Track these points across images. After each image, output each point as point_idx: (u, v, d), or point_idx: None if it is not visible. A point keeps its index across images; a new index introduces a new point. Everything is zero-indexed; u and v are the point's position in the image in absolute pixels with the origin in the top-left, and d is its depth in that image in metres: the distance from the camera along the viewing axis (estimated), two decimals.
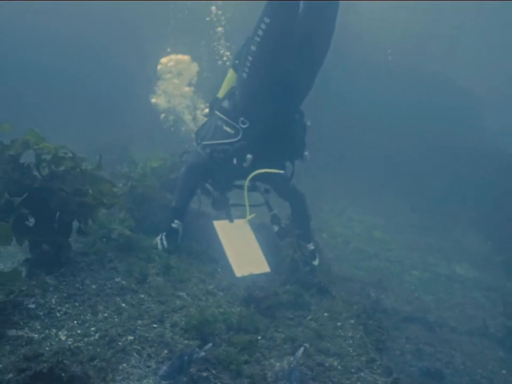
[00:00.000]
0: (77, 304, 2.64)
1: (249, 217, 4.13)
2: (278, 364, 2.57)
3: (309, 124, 4.06)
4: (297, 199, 4.48)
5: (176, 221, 3.82)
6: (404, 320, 5.69)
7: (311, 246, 4.43)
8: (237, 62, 4.14)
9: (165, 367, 2.11)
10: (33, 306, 2.50)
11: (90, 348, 2.27)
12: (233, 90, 4.06)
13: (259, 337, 2.76)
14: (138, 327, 2.56)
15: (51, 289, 2.71)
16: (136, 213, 4.47)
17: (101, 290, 2.83)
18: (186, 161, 4.19)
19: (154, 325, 2.63)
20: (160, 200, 4.29)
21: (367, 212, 11.82)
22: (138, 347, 2.39)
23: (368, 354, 2.89)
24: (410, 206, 12.17)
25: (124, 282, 3.01)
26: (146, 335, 2.51)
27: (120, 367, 2.21)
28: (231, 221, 4.18)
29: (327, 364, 2.68)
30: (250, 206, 4.12)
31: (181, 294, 3.08)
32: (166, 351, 2.41)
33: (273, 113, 3.76)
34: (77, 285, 2.82)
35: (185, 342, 2.54)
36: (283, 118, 3.84)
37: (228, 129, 3.85)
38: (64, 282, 2.81)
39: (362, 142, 13.79)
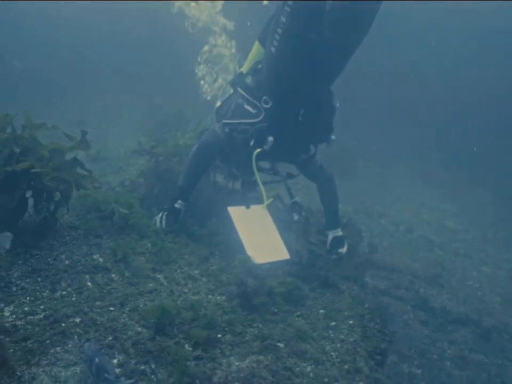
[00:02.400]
0: (39, 279, 2.57)
1: (267, 202, 3.82)
2: (237, 363, 2.29)
3: (337, 105, 3.62)
4: (325, 179, 4.11)
5: (179, 201, 3.65)
6: (453, 322, 5.04)
7: (339, 232, 4.05)
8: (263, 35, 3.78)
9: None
10: None
11: (30, 327, 2.17)
12: (258, 66, 3.73)
13: (226, 332, 2.50)
14: (94, 309, 2.42)
15: (20, 262, 2.67)
16: (156, 190, 4.39)
17: (72, 267, 2.74)
18: (199, 140, 3.96)
19: (112, 308, 2.48)
20: None
21: (443, 199, 10.78)
22: (82, 331, 2.24)
23: (354, 363, 2.48)
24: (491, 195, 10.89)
25: (101, 259, 2.90)
26: (98, 318, 2.36)
27: (52, 351, 2.08)
28: (248, 207, 3.88)
29: (297, 369, 2.34)
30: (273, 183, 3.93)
31: (158, 276, 2.89)
32: (110, 338, 2.24)
33: (300, 93, 3.39)
34: (49, 260, 2.76)
35: (138, 329, 2.35)
36: (310, 98, 3.44)
37: (249, 108, 3.52)
38: (37, 256, 2.77)
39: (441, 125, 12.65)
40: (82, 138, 3.05)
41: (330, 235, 4.02)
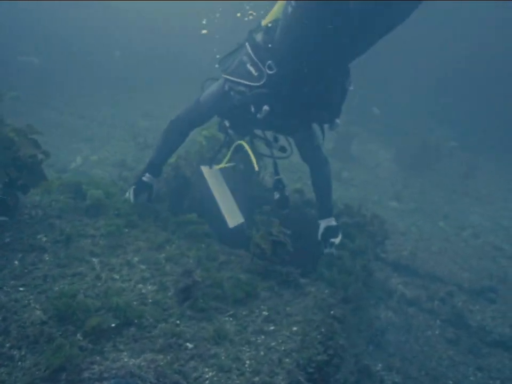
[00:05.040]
0: None
1: (223, 165, 3.68)
2: (126, 360, 2.07)
3: (351, 88, 3.17)
4: (319, 163, 3.73)
5: (147, 175, 3.51)
6: (491, 344, 4.28)
7: (332, 222, 3.67)
8: None
9: None
10: None
11: None
12: (275, 24, 3.23)
13: (133, 324, 2.28)
14: (4, 288, 2.37)
15: None
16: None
17: (8, 245, 2.73)
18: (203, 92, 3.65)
19: (22, 288, 2.40)
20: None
21: None
22: None
23: (269, 376, 2.12)
24: None
25: (44, 239, 2.85)
26: (1, 297, 2.29)
27: None
28: (211, 166, 3.79)
29: (192, 375, 2.06)
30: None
31: (94, 260, 2.76)
32: (0, 318, 2.16)
33: (310, 65, 2.94)
34: None
35: (37, 312, 2.24)
36: (321, 74, 3.01)
37: (251, 69, 3.12)
38: None
39: None
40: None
41: (322, 224, 3.64)
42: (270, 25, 3.24)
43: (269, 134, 3.67)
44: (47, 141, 7.10)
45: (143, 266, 2.81)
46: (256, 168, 3.39)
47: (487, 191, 9.80)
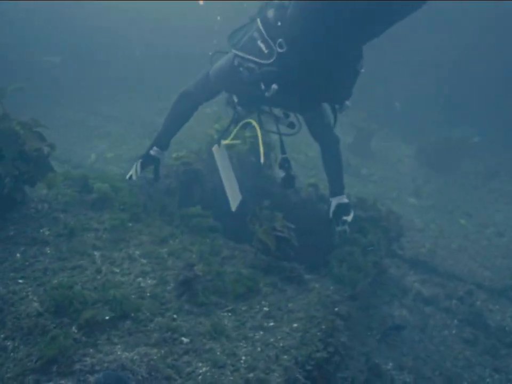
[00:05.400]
0: None
1: (229, 141, 3.62)
2: (119, 353, 2.05)
3: (363, 70, 3.09)
4: (329, 141, 3.69)
5: (155, 148, 3.49)
6: (510, 346, 4.08)
7: (343, 199, 3.67)
8: None
9: None
10: None
11: None
12: (287, 0, 3.08)
13: (129, 317, 2.26)
14: (3, 280, 2.38)
15: None
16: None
17: (11, 238, 2.76)
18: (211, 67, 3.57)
19: (21, 280, 2.41)
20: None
21: None
22: None
23: (264, 372, 2.06)
24: None
25: (47, 232, 2.87)
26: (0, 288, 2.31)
27: None
28: (219, 144, 3.68)
29: (186, 370, 2.02)
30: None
31: (95, 253, 2.76)
32: None
33: (321, 46, 2.85)
34: None
35: (35, 304, 2.24)
36: (333, 54, 2.91)
37: (262, 46, 3.02)
38: None
39: None
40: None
41: (334, 202, 3.63)
42: (287, 1, 3.05)
43: (278, 111, 3.59)
44: (63, 138, 7.22)
45: (144, 261, 2.79)
46: (263, 159, 3.33)
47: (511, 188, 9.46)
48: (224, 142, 3.61)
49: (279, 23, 2.97)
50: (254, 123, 3.35)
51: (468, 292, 4.82)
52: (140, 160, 3.49)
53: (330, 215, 3.62)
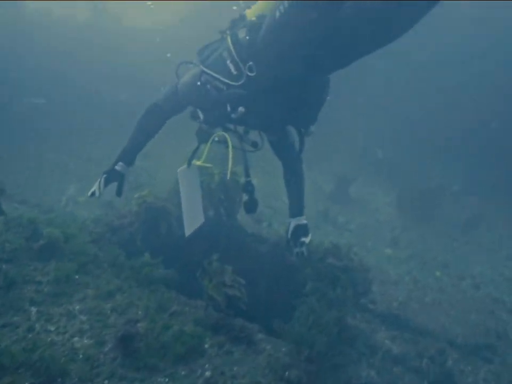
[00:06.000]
0: None
1: (200, 163, 3.48)
2: None
3: (328, 98, 3.07)
4: (291, 159, 3.60)
5: (120, 163, 3.33)
6: None
7: (302, 220, 3.57)
8: None
9: None
10: None
11: None
12: (260, 21, 2.99)
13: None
14: None
15: None
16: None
17: None
18: (175, 82, 3.48)
19: None
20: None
21: None
22: None
23: None
24: None
25: None
26: None
27: None
28: (189, 165, 3.58)
29: None
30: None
31: (32, 309, 2.60)
32: None
33: (292, 72, 2.81)
34: None
35: None
36: (301, 82, 2.92)
37: (231, 66, 2.96)
38: None
39: None
40: None
41: (293, 223, 3.53)
42: (254, 19, 3.05)
43: (241, 128, 3.53)
44: (38, 181, 7.12)
45: (83, 317, 2.63)
46: (229, 176, 3.27)
47: (491, 238, 9.46)
48: (196, 162, 3.50)
49: (251, 46, 2.89)
50: (227, 136, 3.22)
51: (439, 350, 4.65)
52: (104, 175, 3.28)
53: (288, 235, 3.53)
